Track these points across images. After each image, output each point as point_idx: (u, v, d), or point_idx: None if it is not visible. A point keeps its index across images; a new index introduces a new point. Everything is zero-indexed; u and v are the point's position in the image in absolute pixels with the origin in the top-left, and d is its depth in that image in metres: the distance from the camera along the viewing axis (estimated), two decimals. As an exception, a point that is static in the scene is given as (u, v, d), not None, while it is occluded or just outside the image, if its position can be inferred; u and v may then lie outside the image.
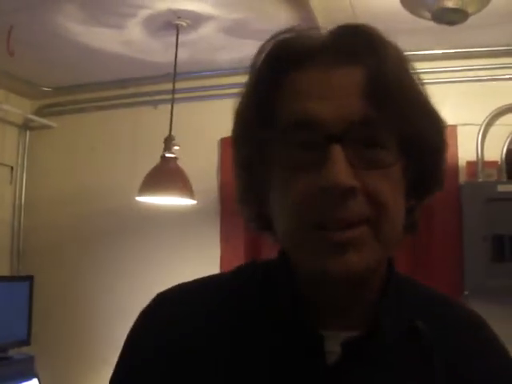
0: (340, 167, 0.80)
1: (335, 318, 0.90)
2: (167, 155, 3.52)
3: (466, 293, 3.44)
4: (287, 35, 0.91)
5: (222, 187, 4.23)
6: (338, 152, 0.81)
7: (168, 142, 3.53)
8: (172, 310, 0.97)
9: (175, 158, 3.52)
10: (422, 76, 0.91)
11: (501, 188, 3.48)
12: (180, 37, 3.59)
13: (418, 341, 0.91)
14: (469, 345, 0.96)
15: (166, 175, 3.50)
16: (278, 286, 0.94)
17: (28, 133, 4.87)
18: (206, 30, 3.62)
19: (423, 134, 0.87)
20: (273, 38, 0.92)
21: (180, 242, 4.25)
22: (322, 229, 0.83)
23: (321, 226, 0.83)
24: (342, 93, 0.84)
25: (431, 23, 2.90)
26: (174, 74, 3.70)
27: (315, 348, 0.88)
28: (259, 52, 0.92)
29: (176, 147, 3.52)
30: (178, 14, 3.41)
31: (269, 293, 0.95)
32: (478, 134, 3.71)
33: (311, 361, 0.88)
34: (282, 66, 0.88)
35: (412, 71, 0.90)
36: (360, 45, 0.86)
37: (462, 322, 1.00)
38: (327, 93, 0.84)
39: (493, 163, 3.64)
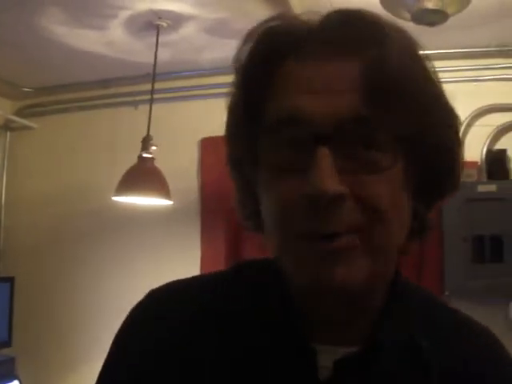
0: (326, 172, 0.73)
1: (330, 332, 0.84)
2: (144, 155, 3.50)
3: (447, 293, 3.44)
4: (274, 23, 0.83)
5: (203, 187, 4.22)
6: (324, 155, 0.73)
7: (145, 142, 3.51)
8: (162, 307, 0.93)
9: (152, 159, 3.50)
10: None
11: (481, 188, 3.49)
12: (161, 37, 3.58)
13: (419, 358, 0.84)
14: (468, 350, 0.90)
15: (142, 175, 3.48)
16: (269, 290, 0.88)
17: (8, 133, 4.84)
18: (188, 29, 3.61)
19: (430, 132, 0.79)
20: (261, 25, 0.83)
21: (161, 242, 4.24)
22: (306, 239, 0.76)
23: (305, 237, 0.76)
24: (334, 87, 0.75)
25: (411, 24, 2.91)
26: (154, 75, 3.69)
27: (307, 362, 0.82)
28: (244, 43, 0.84)
29: (154, 147, 3.50)
30: (159, 14, 3.40)
31: (260, 295, 0.89)
32: (458, 134, 3.72)
33: (303, 375, 0.82)
34: (271, 59, 0.80)
35: (421, 60, 0.81)
36: (358, 34, 0.77)
37: (462, 327, 0.95)
38: (318, 87, 0.76)
39: (473, 164, 3.65)
